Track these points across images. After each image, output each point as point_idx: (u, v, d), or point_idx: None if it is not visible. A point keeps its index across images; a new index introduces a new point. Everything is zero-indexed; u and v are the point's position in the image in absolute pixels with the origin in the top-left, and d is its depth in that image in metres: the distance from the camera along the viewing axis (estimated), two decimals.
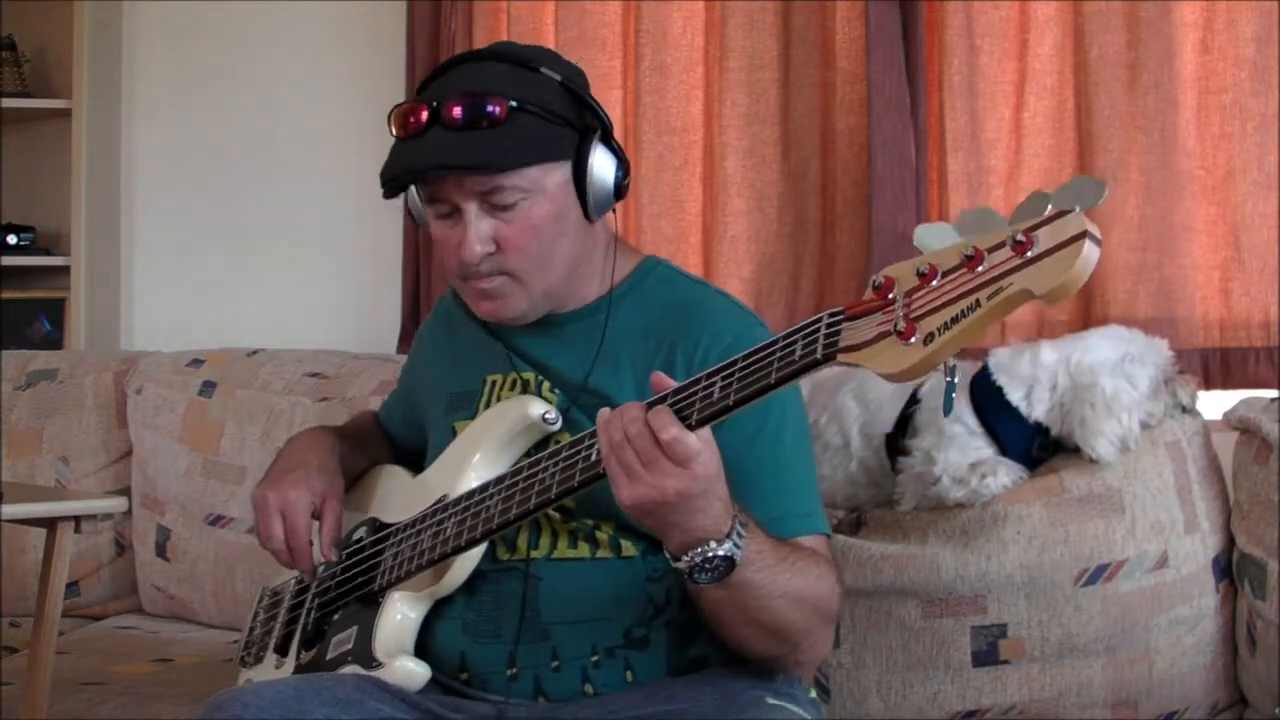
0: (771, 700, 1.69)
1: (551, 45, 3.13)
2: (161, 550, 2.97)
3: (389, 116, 1.75)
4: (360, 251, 3.40)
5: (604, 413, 1.53)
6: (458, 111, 1.69)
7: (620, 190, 1.79)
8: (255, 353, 3.05)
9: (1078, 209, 1.29)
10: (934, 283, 1.33)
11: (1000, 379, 2.27)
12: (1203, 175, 2.71)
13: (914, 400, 2.35)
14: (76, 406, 3.08)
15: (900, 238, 2.81)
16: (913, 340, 1.32)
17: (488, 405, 1.85)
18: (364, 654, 1.75)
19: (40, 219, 3.63)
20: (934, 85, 2.86)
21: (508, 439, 1.79)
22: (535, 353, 1.85)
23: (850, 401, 2.39)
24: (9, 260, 3.52)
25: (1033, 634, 2.22)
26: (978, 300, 1.30)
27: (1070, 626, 2.21)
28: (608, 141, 1.78)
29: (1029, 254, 1.28)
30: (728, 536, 1.52)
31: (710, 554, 1.52)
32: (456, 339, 1.95)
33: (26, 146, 3.69)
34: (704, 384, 1.50)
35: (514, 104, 1.70)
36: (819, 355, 1.41)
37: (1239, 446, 2.29)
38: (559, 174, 1.74)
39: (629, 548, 1.75)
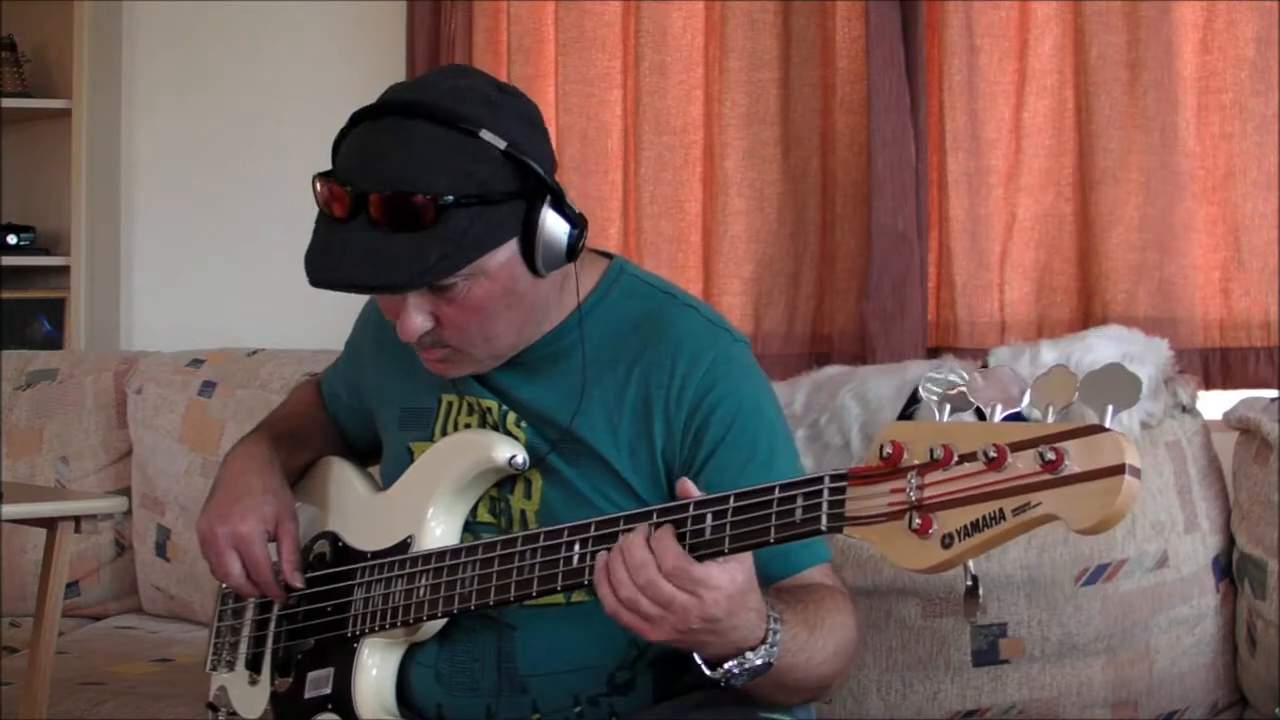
0: (763, 714, 1.63)
1: (551, 45, 3.13)
2: (161, 550, 2.97)
3: (313, 180, 1.61)
4: None
5: (602, 561, 1.45)
6: (383, 211, 1.53)
7: (574, 250, 1.62)
8: (255, 353, 3.05)
9: (1111, 416, 1.21)
10: (950, 467, 1.27)
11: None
12: (1203, 175, 2.71)
13: (914, 400, 2.34)
14: (76, 406, 3.08)
15: (900, 237, 2.81)
16: (929, 535, 1.27)
17: (444, 430, 1.76)
18: (346, 710, 1.71)
19: (40, 219, 3.63)
20: (934, 85, 2.86)
21: (469, 479, 1.71)
22: (499, 379, 1.73)
23: (850, 401, 2.39)
24: (9, 260, 3.52)
25: (1033, 634, 2.22)
26: (1001, 511, 1.23)
27: (1070, 626, 2.21)
28: (559, 206, 1.60)
29: (1060, 472, 1.20)
30: (763, 642, 1.46)
31: (746, 665, 1.46)
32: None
33: (26, 146, 3.69)
34: (694, 514, 1.43)
35: (447, 200, 1.53)
36: (823, 526, 1.36)
37: (1239, 446, 2.29)
38: (503, 253, 1.58)
39: None
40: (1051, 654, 2.22)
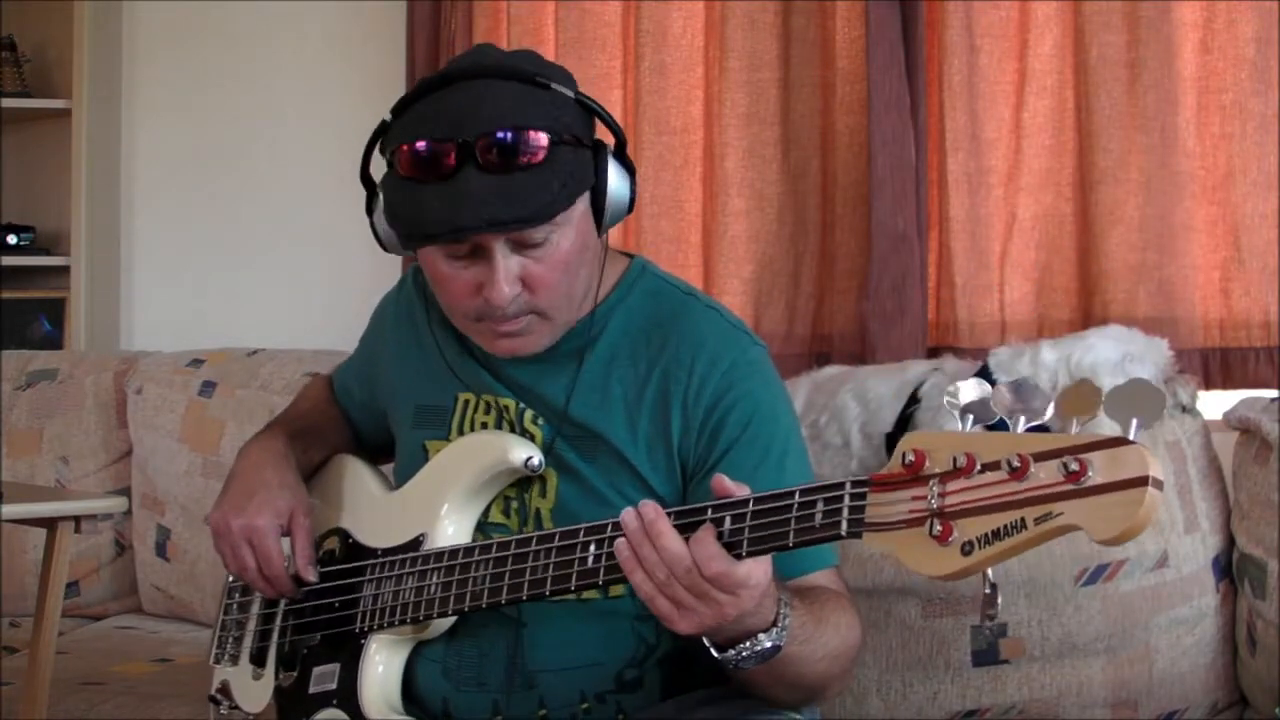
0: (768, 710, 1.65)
1: (551, 45, 3.13)
2: (161, 550, 2.97)
3: (393, 154, 1.60)
4: (360, 251, 3.37)
5: (623, 548, 1.44)
6: (497, 152, 1.54)
7: (631, 204, 1.68)
8: (255, 353, 3.05)
9: (1135, 430, 1.20)
10: (973, 475, 1.26)
11: (1000, 378, 2.27)
12: (1203, 175, 2.71)
13: (914, 400, 2.35)
14: (76, 406, 3.08)
15: (900, 237, 2.81)
16: (949, 542, 1.26)
17: (461, 429, 1.76)
18: (351, 706, 1.71)
19: (40, 219, 3.63)
20: (934, 85, 2.86)
21: (485, 479, 1.70)
22: (519, 375, 1.73)
23: (850, 401, 2.39)
24: (9, 260, 3.52)
25: (1033, 634, 2.22)
26: (1023, 520, 1.23)
27: (1070, 626, 2.21)
28: (620, 155, 1.65)
29: (1083, 483, 1.20)
30: (773, 625, 1.46)
31: (757, 647, 1.46)
32: (423, 341, 1.82)
33: (26, 146, 3.69)
34: (713, 516, 1.42)
35: (554, 136, 1.56)
36: (843, 531, 1.35)
37: (1239, 446, 2.29)
38: (582, 202, 1.62)
39: (616, 587, 1.62)
40: (1051, 654, 2.22)
